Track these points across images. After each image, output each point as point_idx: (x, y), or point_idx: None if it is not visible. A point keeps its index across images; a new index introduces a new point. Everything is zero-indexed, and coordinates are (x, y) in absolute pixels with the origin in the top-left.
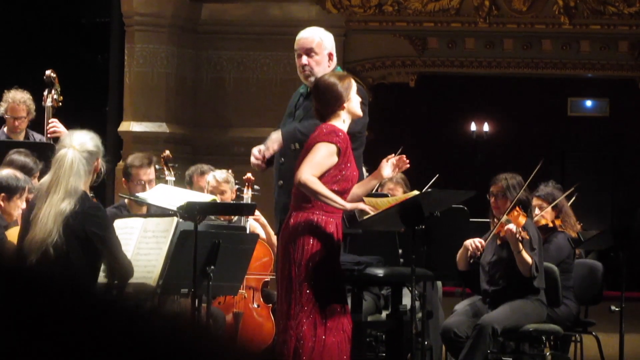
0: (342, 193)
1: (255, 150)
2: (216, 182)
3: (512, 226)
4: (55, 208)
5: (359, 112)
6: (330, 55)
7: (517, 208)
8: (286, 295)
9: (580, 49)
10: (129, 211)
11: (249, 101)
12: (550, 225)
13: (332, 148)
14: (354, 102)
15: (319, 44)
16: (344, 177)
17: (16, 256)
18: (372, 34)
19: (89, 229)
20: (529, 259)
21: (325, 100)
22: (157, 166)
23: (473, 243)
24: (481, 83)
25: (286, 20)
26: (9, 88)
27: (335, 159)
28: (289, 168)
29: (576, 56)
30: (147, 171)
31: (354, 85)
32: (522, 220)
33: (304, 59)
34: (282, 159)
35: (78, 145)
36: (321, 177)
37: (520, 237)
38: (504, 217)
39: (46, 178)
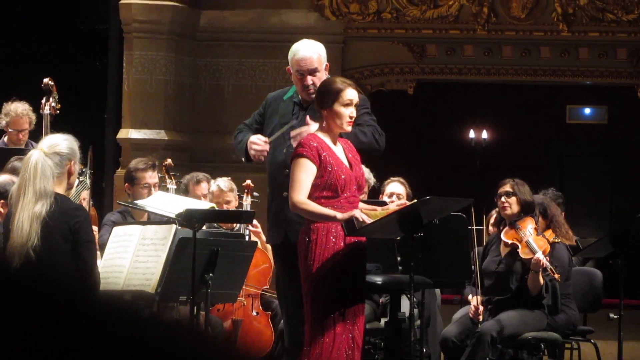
0: (335, 198)
1: (254, 138)
2: (221, 192)
3: (541, 257)
4: (29, 211)
5: (339, 125)
6: (327, 66)
7: (534, 224)
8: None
9: (578, 56)
10: (132, 217)
11: (247, 108)
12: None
13: (302, 161)
14: (333, 114)
15: (319, 61)
16: (329, 183)
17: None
18: (371, 41)
19: (73, 226)
20: (542, 281)
21: (316, 97)
22: (159, 174)
23: (475, 315)
24: (480, 90)
25: (285, 28)
26: (7, 96)
27: (313, 169)
28: None
29: (574, 63)
30: (152, 174)
31: (344, 96)
32: (548, 248)
33: (309, 79)
34: (287, 170)
35: (47, 147)
36: (311, 192)
37: (551, 276)
38: (526, 235)
39: (16, 183)
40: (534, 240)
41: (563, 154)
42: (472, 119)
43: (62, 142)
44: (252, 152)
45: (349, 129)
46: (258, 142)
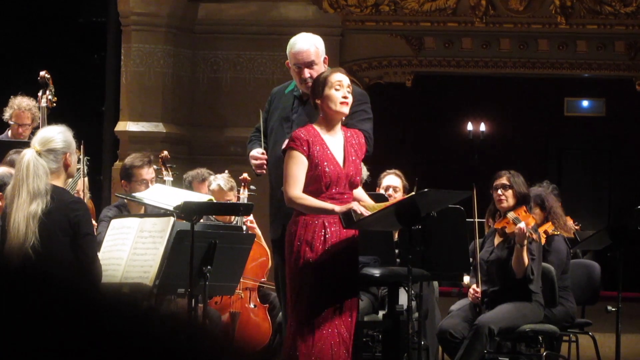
0: (321, 193)
1: (253, 153)
2: (221, 191)
3: (523, 225)
4: (24, 211)
5: (334, 107)
6: (325, 59)
7: (524, 208)
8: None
9: (576, 49)
10: (129, 211)
11: (245, 101)
12: (544, 236)
13: (293, 154)
14: (326, 99)
15: (317, 54)
16: (315, 177)
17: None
18: (369, 34)
19: (72, 220)
20: (526, 260)
21: (310, 93)
22: (155, 166)
23: (475, 297)
24: (478, 83)
25: (283, 20)
26: (5, 90)
27: (305, 161)
28: None
29: (573, 56)
30: (149, 170)
31: (332, 79)
32: (532, 221)
33: (307, 72)
34: None
35: (40, 145)
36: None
37: (529, 238)
38: (512, 214)
39: (10, 183)
40: (519, 216)
41: (561, 146)
42: (470, 111)
43: (55, 137)
44: (253, 168)
45: (345, 109)
46: (255, 156)
